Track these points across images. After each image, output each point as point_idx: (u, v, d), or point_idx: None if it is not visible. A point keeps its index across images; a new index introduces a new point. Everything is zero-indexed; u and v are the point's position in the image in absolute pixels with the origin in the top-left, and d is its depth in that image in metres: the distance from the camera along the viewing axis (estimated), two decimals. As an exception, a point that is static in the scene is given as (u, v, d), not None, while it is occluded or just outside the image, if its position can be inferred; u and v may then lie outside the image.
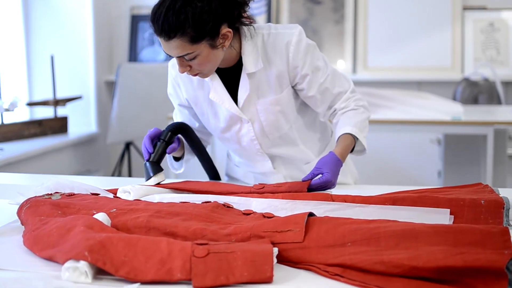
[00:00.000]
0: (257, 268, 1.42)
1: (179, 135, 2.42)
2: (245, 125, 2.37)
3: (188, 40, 2.06)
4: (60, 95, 5.61)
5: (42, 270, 1.52)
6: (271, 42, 2.29)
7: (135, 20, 6.18)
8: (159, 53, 6.12)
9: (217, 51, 2.16)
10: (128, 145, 5.59)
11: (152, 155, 2.30)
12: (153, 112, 5.35)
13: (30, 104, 5.41)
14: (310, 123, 2.51)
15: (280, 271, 1.49)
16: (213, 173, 2.57)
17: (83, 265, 1.44)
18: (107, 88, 6.13)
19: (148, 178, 2.26)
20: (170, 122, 4.47)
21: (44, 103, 5.37)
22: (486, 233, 1.47)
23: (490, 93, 5.22)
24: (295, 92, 2.39)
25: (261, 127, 2.38)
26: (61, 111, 5.67)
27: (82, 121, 5.90)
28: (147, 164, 2.29)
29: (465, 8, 5.66)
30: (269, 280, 1.42)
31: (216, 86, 2.32)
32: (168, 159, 2.53)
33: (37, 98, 5.75)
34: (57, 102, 5.36)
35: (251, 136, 2.39)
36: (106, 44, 6.13)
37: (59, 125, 5.50)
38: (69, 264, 1.45)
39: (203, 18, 2.05)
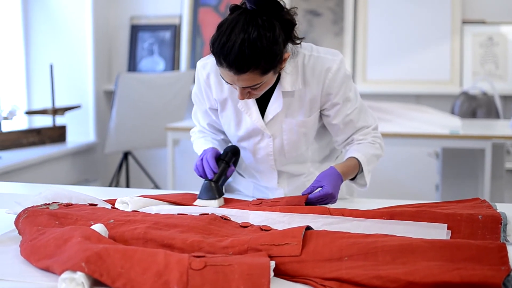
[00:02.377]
0: (254, 281, 1.42)
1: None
2: (266, 139, 2.36)
3: (260, 73, 2.04)
4: (59, 104, 5.62)
5: (39, 281, 1.52)
6: (311, 65, 2.26)
7: (135, 30, 6.18)
8: (158, 63, 6.13)
9: (276, 75, 2.15)
10: (126, 155, 5.59)
11: (216, 176, 2.25)
12: (151, 122, 5.35)
13: (29, 112, 5.41)
14: (323, 146, 2.51)
15: (277, 285, 1.49)
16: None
17: (80, 276, 1.44)
18: (106, 98, 6.13)
19: (210, 198, 2.22)
20: (169, 133, 4.47)
21: (43, 111, 5.37)
22: (483, 248, 1.47)
23: (489, 107, 5.22)
24: (320, 116, 2.38)
25: (281, 145, 2.36)
26: (60, 120, 5.68)
27: (80, 130, 5.90)
28: (213, 184, 2.24)
29: (464, 22, 5.67)
30: (266, 293, 1.42)
31: None
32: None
33: (36, 106, 5.75)
34: (55, 111, 5.36)
35: (269, 151, 2.38)
36: (105, 53, 6.13)
37: (57, 134, 5.50)
38: (66, 275, 1.45)
39: (274, 49, 2.02)
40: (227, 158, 2.29)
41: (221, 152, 2.34)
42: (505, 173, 4.82)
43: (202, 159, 2.28)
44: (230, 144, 2.40)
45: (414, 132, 4.31)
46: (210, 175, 2.25)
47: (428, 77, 5.71)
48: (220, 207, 2.12)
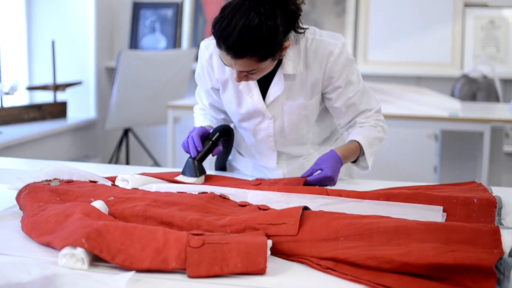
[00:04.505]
0: (251, 260, 1.45)
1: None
2: (266, 121, 2.37)
3: (257, 60, 2.05)
4: (60, 80, 5.62)
5: (40, 256, 1.55)
6: (314, 48, 2.26)
7: (137, 7, 6.18)
8: (160, 41, 6.13)
9: (275, 61, 2.16)
10: (126, 132, 5.60)
11: (200, 154, 2.27)
12: (152, 99, 5.36)
13: (30, 88, 5.42)
14: (324, 129, 2.52)
15: (274, 263, 1.52)
16: (222, 166, 2.61)
17: (80, 252, 1.46)
18: (107, 75, 6.13)
19: (191, 175, 2.24)
20: (170, 110, 4.48)
21: (44, 87, 5.38)
22: (477, 231, 1.49)
23: (489, 90, 5.23)
24: (322, 98, 2.39)
25: (282, 127, 2.38)
26: (61, 96, 5.68)
27: (81, 107, 5.91)
28: (195, 162, 2.25)
29: (466, 5, 5.67)
30: (262, 272, 1.44)
31: None
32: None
33: (37, 82, 5.75)
34: (57, 87, 5.37)
35: (270, 132, 2.39)
36: (107, 30, 6.13)
37: (58, 110, 5.51)
38: (66, 250, 1.47)
39: (273, 38, 2.02)
40: (214, 138, 2.30)
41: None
42: (503, 156, 4.84)
43: (188, 137, 2.30)
44: (222, 124, 2.41)
45: (413, 114, 4.32)
46: (193, 153, 2.27)
47: (429, 59, 5.72)
48: (218, 185, 2.13)
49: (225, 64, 2.13)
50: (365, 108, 2.38)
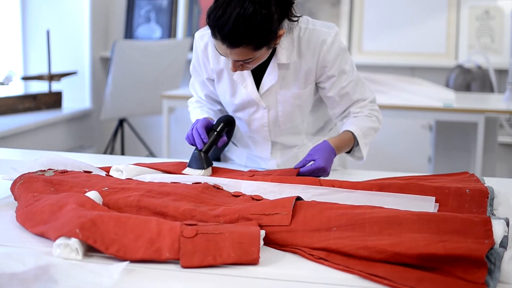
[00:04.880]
0: (244, 250, 1.46)
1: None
2: (261, 111, 2.38)
3: (252, 48, 2.06)
4: (55, 70, 5.62)
5: (34, 246, 1.55)
6: (307, 37, 2.28)
7: (132, -3, 6.18)
8: (155, 31, 6.13)
9: (270, 50, 2.17)
10: (121, 122, 5.60)
11: (206, 146, 2.27)
12: (147, 89, 5.36)
13: (25, 78, 5.42)
14: (318, 119, 2.53)
15: (267, 253, 1.53)
16: (216, 156, 2.61)
17: (74, 242, 1.47)
18: (102, 64, 6.13)
19: (198, 167, 2.23)
20: (164, 100, 4.49)
21: (39, 77, 5.38)
22: (468, 222, 1.50)
23: (483, 80, 5.24)
24: (316, 88, 2.40)
25: (276, 116, 2.39)
26: (56, 86, 5.68)
27: (76, 97, 5.91)
28: (202, 154, 2.25)
29: (461, -5, 5.68)
30: (255, 262, 1.45)
31: None
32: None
33: (32, 72, 5.75)
34: (52, 77, 5.37)
35: (264, 122, 2.40)
36: (102, 20, 6.13)
37: (53, 100, 5.51)
38: (61, 240, 1.48)
39: (268, 26, 2.03)
40: (219, 129, 2.30)
41: (214, 122, 2.36)
42: (498, 146, 4.86)
43: (193, 129, 2.30)
44: (224, 114, 2.41)
45: (408, 104, 4.33)
46: (199, 145, 2.26)
47: (423, 50, 5.73)
48: (212, 176, 2.14)
49: (221, 54, 2.13)
50: (359, 98, 2.39)
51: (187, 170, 2.24)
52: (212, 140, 2.28)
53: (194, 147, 2.28)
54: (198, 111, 2.50)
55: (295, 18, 2.20)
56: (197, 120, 2.33)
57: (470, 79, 5.24)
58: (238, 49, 2.05)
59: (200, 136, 2.27)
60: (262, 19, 2.00)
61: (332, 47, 2.28)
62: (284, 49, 2.25)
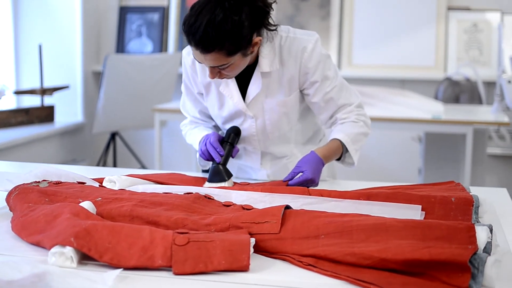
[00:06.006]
0: (234, 257, 1.49)
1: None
2: (248, 120, 2.42)
3: (225, 54, 2.11)
4: (47, 84, 5.64)
5: (30, 255, 1.59)
6: (288, 45, 2.33)
7: (123, 11, 6.21)
8: (146, 45, 6.16)
9: (247, 58, 2.21)
10: (113, 135, 5.62)
11: (223, 158, 2.30)
12: (139, 103, 5.39)
13: (17, 92, 5.44)
14: (306, 127, 2.56)
15: (257, 260, 1.56)
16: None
17: (69, 250, 1.50)
18: (94, 78, 6.16)
19: (221, 181, 2.27)
20: (156, 114, 4.51)
21: (31, 91, 5.40)
22: (453, 229, 1.54)
23: (472, 93, 5.29)
24: (302, 96, 2.44)
25: (264, 125, 2.42)
26: (48, 100, 5.70)
27: (68, 111, 5.93)
28: (221, 167, 2.28)
29: (450, 8, 5.72)
30: (245, 269, 1.49)
31: (227, 80, 2.36)
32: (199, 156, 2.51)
33: (24, 86, 5.77)
34: (44, 91, 5.39)
35: (252, 131, 2.44)
36: (94, 34, 6.16)
37: (45, 114, 5.53)
38: (56, 249, 1.51)
39: (240, 32, 2.09)
40: (231, 140, 2.35)
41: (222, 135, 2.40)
42: (487, 158, 4.89)
43: (206, 144, 2.33)
44: (231, 126, 2.43)
45: (397, 116, 4.36)
46: (217, 158, 2.29)
47: (413, 63, 5.77)
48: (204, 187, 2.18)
49: (198, 61, 2.19)
50: (344, 103, 2.42)
51: (208, 185, 2.27)
52: (227, 152, 2.32)
53: (212, 162, 2.32)
54: (196, 131, 2.53)
55: (272, 27, 2.26)
56: (207, 135, 2.37)
57: (459, 91, 5.29)
58: (210, 55, 2.10)
59: (215, 149, 2.30)
60: (232, 25, 2.07)
61: (313, 54, 2.33)
62: (266, 58, 2.31)
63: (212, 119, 2.56)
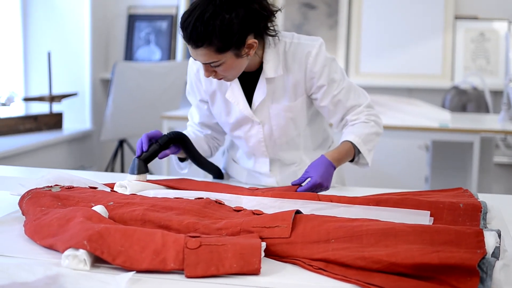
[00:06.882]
0: (245, 261, 1.50)
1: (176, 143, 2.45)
2: (255, 127, 2.45)
3: (214, 50, 2.15)
4: (56, 91, 5.67)
5: (43, 257, 1.60)
6: (292, 51, 2.36)
7: (132, 19, 6.24)
8: (154, 53, 6.19)
9: (241, 59, 2.24)
10: (121, 143, 5.64)
11: (144, 154, 2.35)
12: (147, 111, 5.41)
13: (26, 99, 5.47)
14: (315, 133, 2.59)
15: (268, 264, 1.57)
16: (217, 173, 2.66)
17: (82, 253, 1.51)
18: (103, 86, 6.19)
19: (131, 173, 2.33)
20: (164, 121, 4.53)
21: (40, 98, 5.43)
22: (461, 233, 1.55)
23: (479, 101, 5.30)
24: (310, 101, 2.46)
25: (271, 131, 2.45)
26: (57, 107, 5.73)
27: (76, 118, 5.96)
28: (136, 160, 2.34)
29: (457, 18, 5.74)
30: (256, 272, 1.50)
31: (233, 87, 2.40)
32: (174, 160, 2.58)
33: (33, 93, 5.80)
34: (52, 98, 5.42)
35: (260, 137, 2.46)
36: (102, 42, 6.19)
37: (54, 121, 5.56)
38: (69, 252, 1.52)
39: (229, 30, 2.13)
40: (160, 141, 2.37)
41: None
42: (494, 166, 4.90)
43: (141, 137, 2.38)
44: (175, 131, 2.45)
45: (404, 124, 4.37)
46: (137, 152, 2.37)
47: (420, 71, 5.78)
48: (214, 192, 2.19)
49: (193, 58, 2.24)
50: (353, 104, 2.44)
51: (127, 175, 2.35)
52: (151, 150, 2.36)
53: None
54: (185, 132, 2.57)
55: (273, 32, 2.29)
56: (151, 132, 2.40)
57: (466, 100, 5.30)
58: (200, 50, 2.15)
59: (141, 144, 2.36)
60: (220, 22, 2.11)
61: (318, 58, 2.35)
62: (270, 63, 2.34)
63: (208, 128, 2.60)
